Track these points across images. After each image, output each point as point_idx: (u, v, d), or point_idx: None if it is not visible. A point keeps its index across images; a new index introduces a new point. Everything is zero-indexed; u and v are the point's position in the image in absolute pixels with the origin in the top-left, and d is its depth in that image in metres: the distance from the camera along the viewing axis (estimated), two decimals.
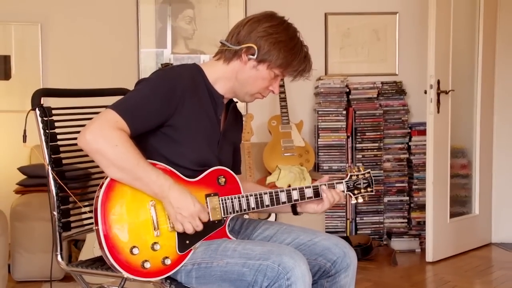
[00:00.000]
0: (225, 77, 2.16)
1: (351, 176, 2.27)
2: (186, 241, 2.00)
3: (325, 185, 2.21)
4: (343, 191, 2.25)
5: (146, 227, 1.97)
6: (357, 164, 2.31)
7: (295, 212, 2.27)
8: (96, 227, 1.93)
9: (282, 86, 4.59)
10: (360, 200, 2.28)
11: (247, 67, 2.13)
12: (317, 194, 2.21)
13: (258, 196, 2.13)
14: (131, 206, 1.97)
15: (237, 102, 2.33)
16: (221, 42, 2.18)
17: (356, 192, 2.27)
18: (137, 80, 2.16)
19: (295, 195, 2.18)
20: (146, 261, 1.95)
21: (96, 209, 1.94)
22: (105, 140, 1.90)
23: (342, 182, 2.25)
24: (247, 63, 2.13)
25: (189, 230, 1.97)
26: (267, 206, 2.14)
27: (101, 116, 1.95)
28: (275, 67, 2.12)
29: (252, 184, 2.43)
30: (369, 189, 2.29)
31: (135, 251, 1.94)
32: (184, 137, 2.07)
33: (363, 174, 2.28)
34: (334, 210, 4.77)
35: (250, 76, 2.14)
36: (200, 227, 1.99)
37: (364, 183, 2.28)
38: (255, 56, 2.10)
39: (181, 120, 2.05)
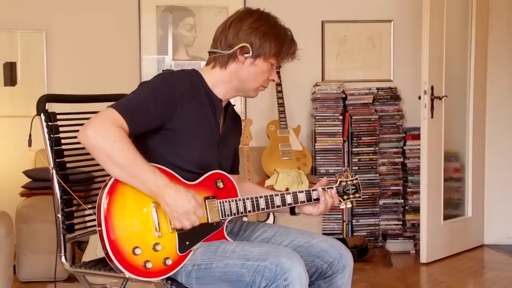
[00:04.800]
0: (224, 80, 2.17)
1: (340, 182, 2.29)
2: (186, 242, 2.00)
3: (324, 188, 2.23)
4: None
5: (147, 228, 1.97)
6: (345, 172, 2.34)
7: (292, 212, 2.28)
8: (99, 228, 1.93)
9: (280, 92, 4.60)
10: (349, 205, 2.30)
11: (245, 65, 2.15)
12: (309, 199, 2.22)
13: (254, 199, 2.14)
14: (133, 208, 1.97)
15: (234, 105, 2.34)
16: (210, 52, 2.19)
17: (345, 197, 2.29)
18: None
19: (288, 199, 2.19)
20: (147, 261, 1.95)
21: (99, 211, 1.94)
22: (105, 136, 1.90)
23: (332, 188, 2.27)
24: (244, 62, 2.14)
25: (187, 226, 1.97)
26: (263, 209, 2.15)
27: (102, 114, 1.95)
28: (270, 57, 2.15)
29: (251, 184, 2.44)
30: (357, 195, 2.31)
31: (137, 251, 1.94)
32: (184, 140, 2.08)
33: (351, 180, 2.30)
34: (330, 213, 4.77)
35: (251, 73, 2.16)
36: (197, 222, 1.98)
37: (352, 189, 2.30)
38: (250, 53, 2.12)
39: (180, 123, 2.06)
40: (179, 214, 1.95)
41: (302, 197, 2.21)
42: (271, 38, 2.12)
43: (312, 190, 2.22)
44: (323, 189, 2.23)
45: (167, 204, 1.95)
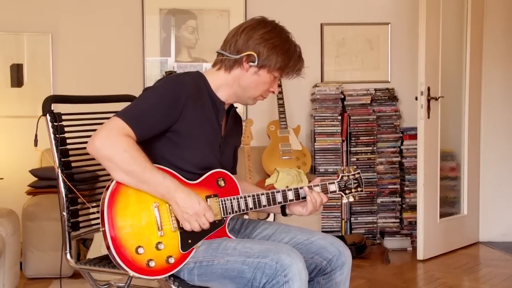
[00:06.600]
0: (227, 84, 2.16)
1: (342, 177, 2.26)
2: (188, 240, 2.00)
3: (310, 187, 2.19)
4: (335, 191, 2.24)
5: (150, 228, 1.96)
6: (348, 166, 2.28)
7: (284, 213, 2.26)
8: (103, 229, 1.92)
9: (280, 92, 4.59)
10: (351, 199, 2.26)
11: (249, 73, 2.13)
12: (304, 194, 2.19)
13: (256, 196, 2.13)
14: (135, 208, 1.96)
15: (237, 107, 2.33)
16: (218, 52, 2.17)
17: (347, 191, 2.26)
18: (142, 87, 2.17)
19: (290, 195, 2.17)
20: (151, 260, 1.94)
21: (102, 211, 1.93)
22: (113, 147, 1.89)
23: (334, 183, 2.24)
24: (248, 70, 2.12)
25: (196, 228, 1.97)
26: (264, 206, 2.13)
27: (109, 124, 1.94)
28: (275, 70, 2.13)
29: (248, 184, 2.42)
30: (359, 189, 2.27)
31: (140, 250, 1.93)
32: (188, 142, 2.07)
33: (353, 174, 2.27)
34: (329, 211, 4.76)
35: (252, 82, 2.14)
36: (206, 224, 1.98)
37: (354, 183, 2.27)
38: (256, 62, 2.10)
39: (185, 126, 2.04)
40: (189, 215, 1.95)
41: (302, 193, 2.18)
42: (279, 52, 2.10)
43: (303, 187, 2.19)
44: (310, 187, 2.19)
45: (178, 206, 1.94)
